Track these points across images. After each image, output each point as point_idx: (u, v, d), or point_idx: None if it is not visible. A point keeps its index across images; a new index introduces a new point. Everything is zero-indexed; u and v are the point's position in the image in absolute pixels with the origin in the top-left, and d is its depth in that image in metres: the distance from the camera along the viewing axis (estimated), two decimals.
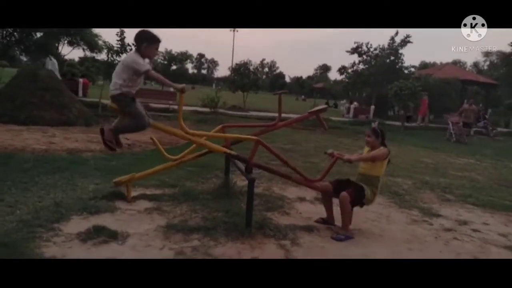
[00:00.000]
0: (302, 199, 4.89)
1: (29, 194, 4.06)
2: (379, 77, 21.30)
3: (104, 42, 18.76)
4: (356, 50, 21.90)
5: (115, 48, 12.37)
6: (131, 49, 10.97)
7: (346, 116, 21.76)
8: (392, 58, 21.35)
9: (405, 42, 20.98)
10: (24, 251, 2.82)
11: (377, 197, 4.01)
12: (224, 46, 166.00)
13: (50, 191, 4.20)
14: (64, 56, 21.01)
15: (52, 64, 15.46)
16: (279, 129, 4.90)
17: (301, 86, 63.71)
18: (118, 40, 12.25)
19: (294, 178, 4.14)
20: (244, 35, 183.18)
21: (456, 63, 48.74)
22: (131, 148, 7.13)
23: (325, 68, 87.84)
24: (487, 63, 44.84)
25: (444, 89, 21.38)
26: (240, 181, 4.92)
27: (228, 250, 3.24)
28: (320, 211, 4.33)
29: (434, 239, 3.97)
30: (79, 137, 7.84)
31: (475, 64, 50.25)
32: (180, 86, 3.61)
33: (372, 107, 21.36)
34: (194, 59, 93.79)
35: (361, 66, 22.46)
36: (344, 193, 3.73)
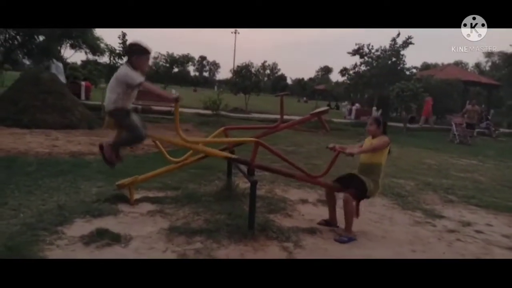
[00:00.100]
0: (304, 201, 4.89)
1: (33, 197, 4.08)
2: (380, 79, 21.24)
3: (106, 45, 18.83)
4: (357, 51, 21.86)
5: (117, 51, 12.44)
6: None
7: (348, 117, 21.72)
8: (393, 59, 21.27)
9: (406, 43, 20.92)
10: (28, 254, 2.83)
11: (380, 187, 4.00)
12: (226, 49, 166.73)
13: (53, 194, 4.22)
14: (66, 59, 21.10)
15: (56, 67, 15.42)
16: (281, 131, 4.91)
17: (302, 88, 63.85)
18: (120, 43, 12.33)
19: (298, 175, 4.14)
20: (246, 37, 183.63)
21: (458, 64, 48.59)
22: (134, 150, 7.14)
23: (326, 70, 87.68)
24: (489, 63, 44.73)
25: (446, 90, 21.27)
26: (243, 183, 4.92)
27: (231, 252, 3.24)
28: (322, 213, 4.33)
29: (437, 241, 3.96)
30: (82, 140, 7.87)
31: (477, 65, 50.04)
32: (173, 96, 3.61)
33: (374, 108, 21.33)
34: (196, 62, 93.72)
35: (362, 68, 22.42)
36: (346, 195, 3.74)
